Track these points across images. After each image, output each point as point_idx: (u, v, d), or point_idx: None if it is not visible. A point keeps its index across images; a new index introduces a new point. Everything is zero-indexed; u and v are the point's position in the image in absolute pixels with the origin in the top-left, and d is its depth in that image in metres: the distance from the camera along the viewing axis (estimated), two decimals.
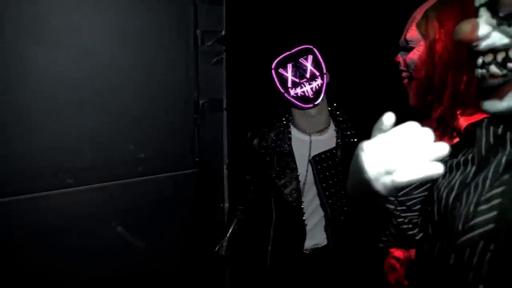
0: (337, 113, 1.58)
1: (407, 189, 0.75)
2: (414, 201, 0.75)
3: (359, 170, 0.56)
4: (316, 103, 1.47)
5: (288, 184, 1.51)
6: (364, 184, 0.55)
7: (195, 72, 1.70)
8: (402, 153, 0.51)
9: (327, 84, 1.49)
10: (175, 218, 1.72)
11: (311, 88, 1.46)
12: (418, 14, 1.02)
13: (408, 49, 1.03)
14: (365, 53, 1.77)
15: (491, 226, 0.50)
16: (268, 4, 1.81)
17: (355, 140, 1.51)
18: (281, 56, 1.50)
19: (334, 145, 1.51)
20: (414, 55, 1.01)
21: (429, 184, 0.72)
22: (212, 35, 1.71)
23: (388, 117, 0.54)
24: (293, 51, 1.50)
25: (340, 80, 1.63)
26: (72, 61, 1.43)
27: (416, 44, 1.01)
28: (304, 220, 1.51)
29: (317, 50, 1.50)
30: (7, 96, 1.34)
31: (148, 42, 1.58)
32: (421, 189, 0.74)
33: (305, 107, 1.48)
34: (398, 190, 0.61)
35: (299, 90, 1.46)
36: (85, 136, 1.49)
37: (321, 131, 1.54)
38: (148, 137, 1.62)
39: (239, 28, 1.78)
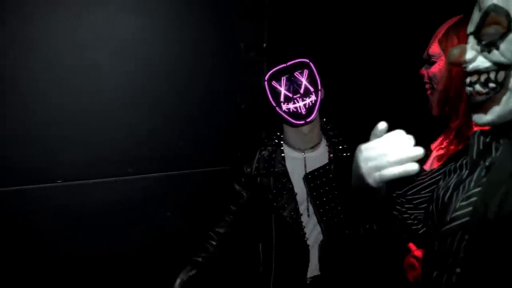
0: (327, 127, 1.54)
1: (415, 189, 0.86)
2: (420, 200, 0.85)
3: (356, 167, 0.71)
4: (308, 120, 1.40)
5: (286, 205, 1.44)
6: (359, 178, 0.70)
7: (239, 80, 1.85)
8: (389, 154, 0.65)
9: (321, 100, 1.43)
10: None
11: (304, 105, 1.39)
12: (441, 31, 1.11)
13: (431, 63, 1.12)
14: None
15: (466, 218, 0.61)
16: (307, 17, 1.93)
17: (348, 154, 1.46)
18: (275, 68, 1.44)
19: (327, 160, 1.46)
20: (435, 69, 1.10)
21: (434, 186, 0.82)
22: (254, 47, 1.84)
23: (382, 125, 0.69)
24: (288, 63, 1.43)
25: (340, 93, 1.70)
26: (136, 68, 1.64)
27: (438, 58, 1.09)
28: (306, 240, 1.45)
29: (314, 64, 1.45)
30: (84, 94, 1.57)
31: (202, 52, 1.74)
32: (427, 189, 0.84)
33: (297, 123, 1.41)
34: (387, 184, 0.73)
35: (291, 106, 1.39)
36: (144, 133, 1.70)
37: (314, 147, 1.48)
38: (196, 135, 1.80)
39: (280, 40, 1.91)
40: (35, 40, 1.47)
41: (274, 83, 1.42)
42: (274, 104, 1.43)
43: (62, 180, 1.56)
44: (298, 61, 1.42)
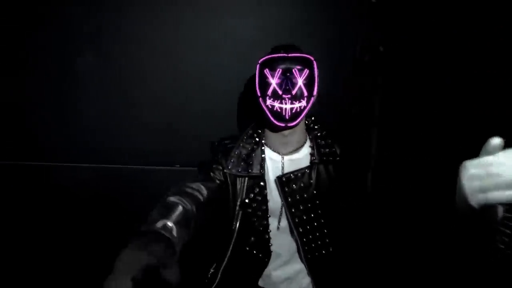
0: (315, 127, 1.36)
1: None
2: None
3: (459, 186, 0.65)
4: (289, 125, 1.22)
5: (258, 212, 1.30)
6: (461, 199, 0.65)
7: (351, 83, 1.75)
8: (498, 175, 0.60)
9: (312, 105, 1.25)
10: None
11: (291, 109, 1.19)
12: None
13: None
14: None
15: None
16: (426, 21, 1.83)
17: (335, 159, 1.29)
18: (273, 55, 1.23)
19: (308, 163, 1.30)
20: None
21: None
22: (370, 51, 1.68)
23: (495, 141, 0.63)
24: (290, 54, 1.22)
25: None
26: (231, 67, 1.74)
27: None
28: (270, 246, 1.31)
29: (317, 65, 1.25)
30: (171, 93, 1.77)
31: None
32: None
33: (276, 124, 1.23)
34: (491, 208, 0.68)
35: (276, 104, 1.20)
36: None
37: (295, 150, 1.32)
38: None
39: (397, 45, 1.77)
40: (164, 40, 1.72)
41: (266, 71, 1.22)
42: (259, 94, 1.24)
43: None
44: (302, 56, 1.22)
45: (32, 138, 1.85)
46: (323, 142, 1.32)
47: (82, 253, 1.90)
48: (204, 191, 1.24)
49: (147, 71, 1.76)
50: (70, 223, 1.90)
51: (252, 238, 1.31)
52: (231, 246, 1.31)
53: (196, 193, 1.21)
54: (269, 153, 1.32)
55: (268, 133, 1.33)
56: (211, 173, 1.31)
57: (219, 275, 1.32)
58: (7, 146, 1.87)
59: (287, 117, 1.20)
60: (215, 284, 1.32)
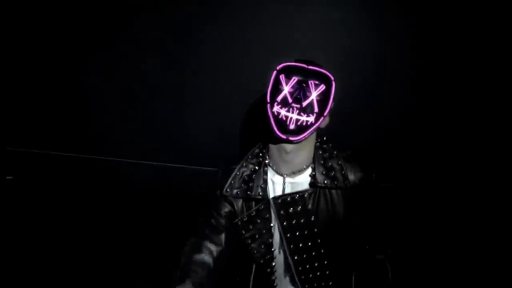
0: (323, 146, 1.24)
1: None
2: None
3: None
4: (291, 138, 1.10)
5: (257, 236, 1.22)
6: None
7: None
8: None
9: (318, 127, 1.15)
10: None
11: (297, 120, 1.10)
12: None
13: None
14: None
15: None
16: None
17: (345, 184, 1.18)
18: (293, 63, 1.16)
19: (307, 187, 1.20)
20: None
21: None
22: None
23: None
24: (309, 66, 1.14)
25: None
26: None
27: None
28: (274, 279, 1.27)
29: (336, 85, 1.15)
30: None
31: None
32: None
33: (278, 134, 1.11)
34: None
35: (283, 111, 1.11)
36: None
37: (298, 172, 1.21)
38: None
39: None
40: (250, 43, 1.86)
41: (282, 77, 1.14)
42: (268, 100, 1.15)
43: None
44: (321, 71, 1.14)
45: (103, 135, 2.11)
46: (329, 163, 1.19)
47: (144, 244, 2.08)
48: (219, 241, 1.23)
49: (214, 73, 1.89)
50: (130, 217, 2.11)
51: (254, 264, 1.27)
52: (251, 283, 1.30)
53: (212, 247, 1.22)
54: (271, 175, 1.23)
55: (271, 150, 1.21)
56: (213, 221, 1.25)
57: None
58: (82, 140, 2.14)
59: (291, 127, 1.09)
60: None
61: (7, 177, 2.26)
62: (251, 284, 1.29)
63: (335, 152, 1.22)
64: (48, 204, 2.28)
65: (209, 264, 1.18)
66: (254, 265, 1.28)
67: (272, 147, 1.20)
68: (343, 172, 1.18)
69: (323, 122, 1.15)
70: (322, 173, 1.18)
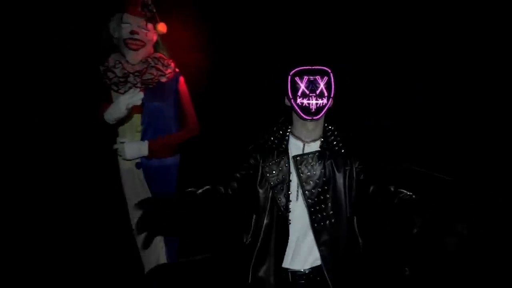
0: (329, 127, 1.71)
1: None
2: None
3: None
4: (315, 117, 1.60)
5: (279, 185, 1.62)
6: None
7: None
8: None
9: (329, 107, 1.63)
10: None
11: (316, 104, 1.59)
12: None
13: None
14: None
15: None
16: None
17: (340, 151, 1.63)
18: (302, 68, 1.65)
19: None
20: None
21: None
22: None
23: None
24: (313, 67, 1.65)
25: None
26: None
27: None
28: (289, 225, 1.60)
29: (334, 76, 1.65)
30: None
31: None
32: None
33: (305, 117, 1.60)
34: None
35: (305, 101, 1.60)
36: None
37: (313, 140, 1.67)
38: None
39: None
40: None
41: (297, 79, 1.63)
42: (291, 96, 1.63)
43: None
44: (322, 68, 1.65)
45: None
46: (332, 137, 1.68)
47: None
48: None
49: None
50: None
51: (275, 209, 1.62)
52: (263, 227, 1.62)
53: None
54: (293, 140, 1.69)
55: (295, 125, 1.69)
56: (250, 161, 1.68)
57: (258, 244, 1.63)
58: None
59: (313, 110, 1.59)
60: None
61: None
62: (259, 242, 1.62)
63: (336, 132, 1.69)
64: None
65: (216, 193, 1.63)
66: (265, 221, 1.63)
67: (297, 123, 1.67)
68: (340, 144, 1.65)
69: (331, 103, 1.64)
70: (327, 142, 1.66)
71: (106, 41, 2.22)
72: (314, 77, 1.62)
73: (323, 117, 1.66)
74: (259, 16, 2.45)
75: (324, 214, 1.58)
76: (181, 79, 2.30)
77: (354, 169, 1.62)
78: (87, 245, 2.55)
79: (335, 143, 1.66)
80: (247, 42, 2.50)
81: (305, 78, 1.62)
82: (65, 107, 2.48)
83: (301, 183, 1.60)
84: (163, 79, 2.22)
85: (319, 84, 1.62)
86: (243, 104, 2.53)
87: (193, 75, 2.38)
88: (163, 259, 2.32)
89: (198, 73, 2.45)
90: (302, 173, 1.60)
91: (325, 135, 1.68)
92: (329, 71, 1.65)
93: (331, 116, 1.71)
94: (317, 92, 1.60)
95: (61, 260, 2.51)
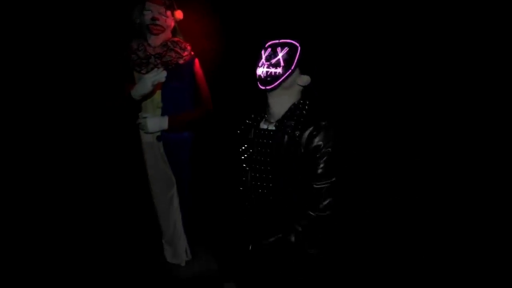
0: (300, 106, 1.57)
1: None
2: None
3: None
4: (264, 87, 1.53)
5: (246, 154, 1.66)
6: None
7: None
8: None
9: (287, 79, 1.51)
10: None
11: (267, 72, 1.51)
12: None
13: None
14: None
15: None
16: None
17: (294, 132, 1.51)
18: (271, 41, 1.58)
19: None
20: None
21: None
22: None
23: None
24: (281, 40, 1.55)
25: None
26: None
27: None
28: (248, 195, 1.68)
29: (304, 49, 1.53)
30: None
31: None
32: None
33: (259, 87, 1.55)
34: None
35: (259, 70, 1.54)
36: None
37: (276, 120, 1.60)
38: None
39: None
40: None
41: (263, 51, 1.58)
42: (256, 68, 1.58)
43: None
44: (288, 41, 1.55)
45: None
46: (296, 118, 1.53)
47: None
48: None
49: None
50: None
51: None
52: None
53: None
54: (264, 122, 1.66)
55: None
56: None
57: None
58: None
59: (262, 77, 1.53)
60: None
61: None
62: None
63: (304, 112, 1.56)
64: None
65: None
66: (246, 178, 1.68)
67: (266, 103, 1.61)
68: (301, 128, 1.51)
69: (298, 79, 1.55)
70: (288, 122, 1.54)
71: (130, 27, 2.49)
72: (275, 48, 1.54)
73: (287, 95, 1.56)
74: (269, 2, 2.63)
75: (264, 184, 1.63)
76: (197, 61, 2.51)
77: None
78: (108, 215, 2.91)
79: (295, 126, 1.52)
80: (256, 28, 2.69)
81: (268, 49, 1.56)
82: (93, 88, 2.81)
83: (256, 159, 1.63)
84: (181, 61, 2.43)
85: (277, 54, 1.52)
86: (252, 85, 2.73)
87: (206, 57, 2.59)
88: (179, 225, 2.57)
89: (211, 56, 2.67)
90: (257, 147, 1.62)
91: (288, 114, 1.55)
92: (296, 44, 1.53)
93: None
94: (272, 61, 1.52)
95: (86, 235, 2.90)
